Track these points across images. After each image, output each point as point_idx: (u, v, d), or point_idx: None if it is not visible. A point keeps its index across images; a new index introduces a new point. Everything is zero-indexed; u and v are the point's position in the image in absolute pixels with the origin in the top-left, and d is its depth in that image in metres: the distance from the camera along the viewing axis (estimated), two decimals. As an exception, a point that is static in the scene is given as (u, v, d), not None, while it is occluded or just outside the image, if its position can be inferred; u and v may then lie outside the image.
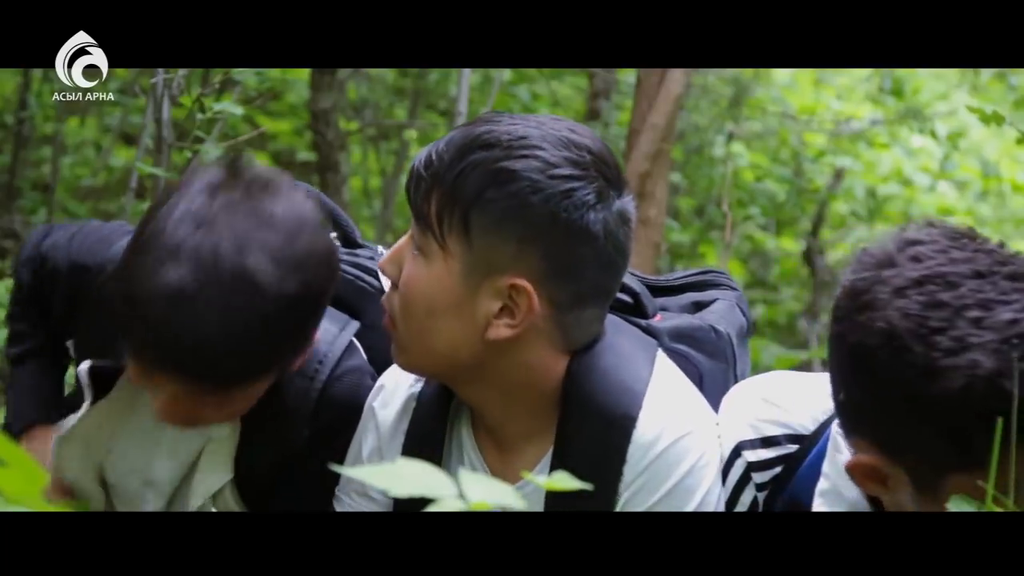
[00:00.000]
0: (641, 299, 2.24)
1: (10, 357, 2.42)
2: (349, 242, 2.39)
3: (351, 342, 2.28)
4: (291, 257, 1.96)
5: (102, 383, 2.27)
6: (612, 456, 2.07)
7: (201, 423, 2.17)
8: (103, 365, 2.25)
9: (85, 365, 2.24)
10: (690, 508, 2.07)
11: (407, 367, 2.16)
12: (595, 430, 2.07)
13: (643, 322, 2.21)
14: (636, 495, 2.07)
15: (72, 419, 2.28)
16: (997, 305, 1.75)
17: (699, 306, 2.31)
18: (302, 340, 2.09)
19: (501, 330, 2.06)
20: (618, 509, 2.07)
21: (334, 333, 2.25)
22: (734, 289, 2.37)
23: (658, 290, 2.34)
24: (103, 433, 2.31)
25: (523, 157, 2.01)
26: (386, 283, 2.17)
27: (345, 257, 2.32)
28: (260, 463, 2.25)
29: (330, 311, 2.25)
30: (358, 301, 2.32)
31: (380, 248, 2.42)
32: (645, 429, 2.06)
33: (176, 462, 2.28)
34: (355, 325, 2.29)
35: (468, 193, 2.02)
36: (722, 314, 2.27)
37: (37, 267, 2.36)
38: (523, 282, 2.03)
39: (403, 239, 2.11)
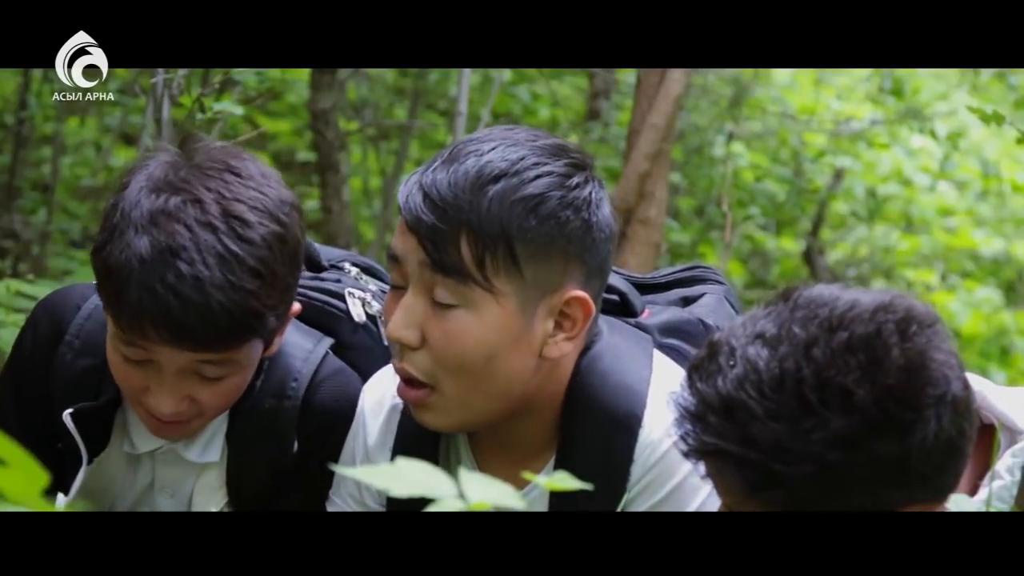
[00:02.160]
0: (628, 298, 2.24)
1: None
2: (314, 265, 2.37)
3: (327, 354, 2.26)
4: (266, 204, 2.05)
5: (88, 429, 2.22)
6: (619, 456, 2.07)
7: (198, 419, 2.16)
8: (85, 407, 2.20)
9: (68, 412, 2.19)
10: (694, 505, 2.07)
11: (455, 426, 2.10)
12: (600, 432, 2.07)
13: (632, 320, 2.21)
14: (641, 494, 2.08)
15: (75, 482, 2.24)
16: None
17: (687, 301, 2.32)
18: (288, 291, 2.09)
19: (561, 345, 2.06)
20: (622, 508, 2.08)
21: (308, 349, 2.24)
22: (721, 284, 2.37)
23: (645, 288, 2.34)
24: (105, 488, 2.29)
25: (538, 177, 2.01)
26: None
27: (309, 282, 2.32)
28: (252, 485, 2.24)
29: (302, 328, 2.26)
30: (328, 324, 2.31)
31: (348, 266, 2.39)
32: (651, 428, 2.06)
33: (176, 500, 2.28)
34: (329, 340, 2.28)
35: (507, 228, 1.98)
36: (711, 308, 2.28)
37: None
38: (579, 292, 2.04)
39: (406, 299, 2.03)
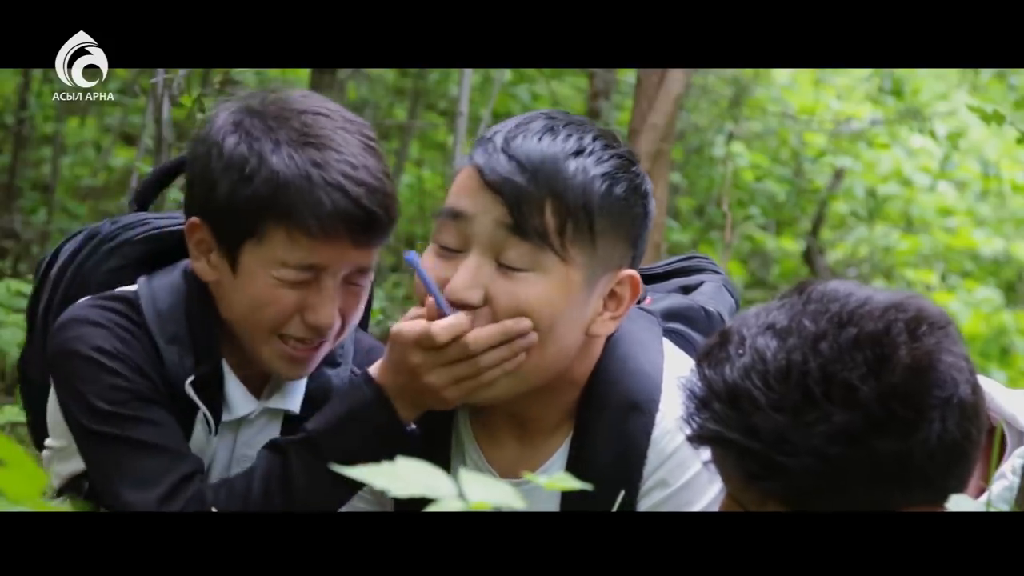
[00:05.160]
0: None
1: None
2: None
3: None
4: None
5: (206, 396, 2.26)
6: (637, 438, 2.08)
7: (326, 345, 2.22)
8: (204, 372, 2.23)
9: (189, 380, 2.22)
10: (706, 499, 2.08)
11: (491, 397, 2.08)
12: (617, 415, 2.09)
13: (636, 307, 2.22)
14: (656, 487, 2.09)
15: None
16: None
17: (686, 290, 2.34)
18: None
19: (608, 324, 2.09)
20: (639, 495, 2.09)
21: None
22: (718, 273, 2.39)
23: (645, 278, 2.35)
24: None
25: (612, 158, 2.05)
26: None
27: None
28: None
29: None
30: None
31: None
32: (667, 415, 2.07)
33: None
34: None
35: (590, 199, 2.01)
36: (711, 295, 2.30)
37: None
38: (631, 272, 2.08)
39: (470, 260, 2.02)
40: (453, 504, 1.27)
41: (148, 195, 2.42)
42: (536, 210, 2.00)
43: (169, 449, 2.18)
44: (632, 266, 2.10)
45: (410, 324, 2.04)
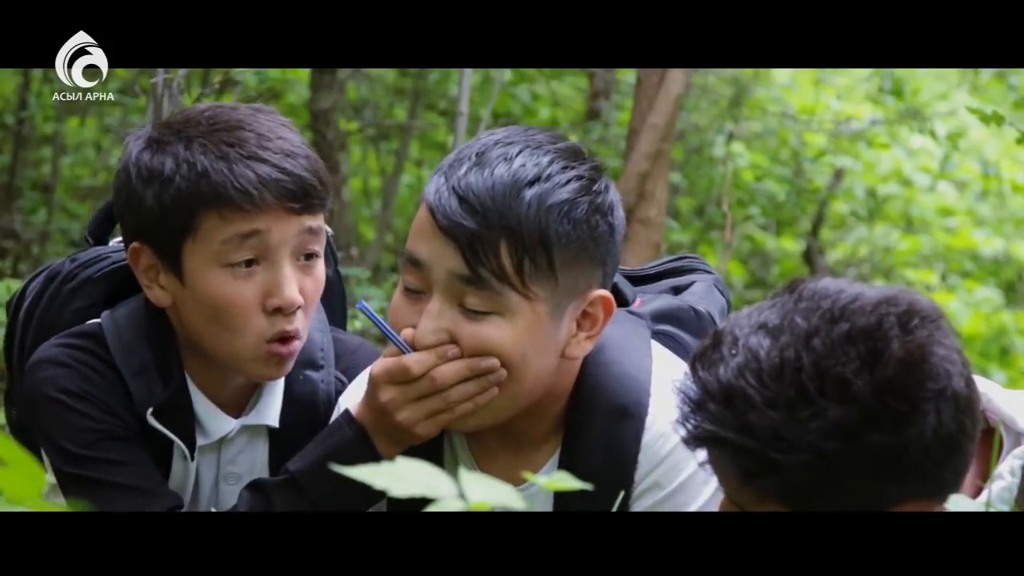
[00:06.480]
0: (619, 287, 2.25)
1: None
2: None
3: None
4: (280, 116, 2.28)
5: (173, 423, 2.25)
6: (627, 444, 2.07)
7: (298, 341, 2.20)
8: (164, 401, 2.22)
9: (150, 411, 2.21)
10: (704, 499, 2.08)
11: (472, 427, 2.09)
12: (606, 421, 2.08)
13: (624, 309, 2.21)
14: (650, 489, 2.08)
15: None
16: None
17: (677, 290, 2.33)
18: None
19: (583, 344, 2.07)
20: (633, 499, 2.08)
21: (318, 328, 2.30)
22: (710, 272, 2.38)
23: (636, 279, 2.35)
24: (180, 488, 2.31)
25: (569, 181, 2.01)
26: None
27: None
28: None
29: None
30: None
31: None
32: (658, 417, 2.07)
33: (240, 486, 2.27)
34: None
35: (546, 233, 1.98)
36: (701, 295, 2.29)
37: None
38: (602, 292, 2.05)
39: (432, 306, 2.01)
40: (453, 504, 1.27)
41: (102, 229, 2.40)
42: (491, 252, 1.97)
43: (142, 489, 2.17)
44: (605, 281, 2.07)
45: (383, 361, 2.04)
